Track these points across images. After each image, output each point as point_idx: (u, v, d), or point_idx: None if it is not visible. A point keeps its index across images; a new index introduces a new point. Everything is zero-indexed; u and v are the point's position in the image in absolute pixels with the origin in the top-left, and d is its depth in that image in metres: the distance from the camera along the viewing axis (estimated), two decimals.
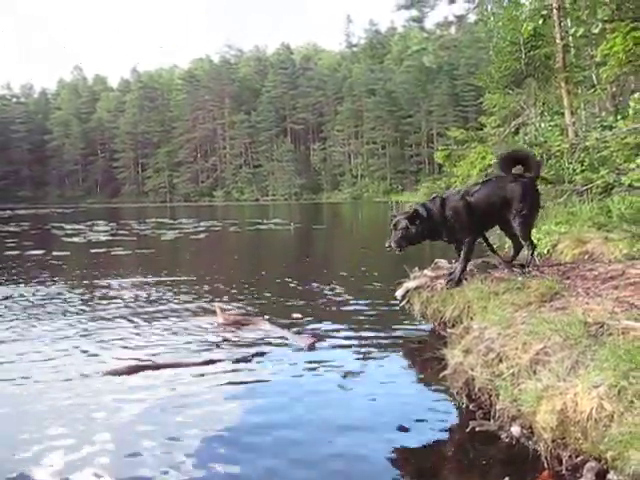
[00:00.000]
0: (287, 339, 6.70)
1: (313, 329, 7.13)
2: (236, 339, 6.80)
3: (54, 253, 16.91)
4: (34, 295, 9.81)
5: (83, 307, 8.84)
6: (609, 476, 3.08)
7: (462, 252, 6.29)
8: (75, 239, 22.81)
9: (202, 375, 5.55)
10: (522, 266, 6.34)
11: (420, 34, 18.41)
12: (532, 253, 6.44)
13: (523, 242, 6.43)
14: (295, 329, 7.09)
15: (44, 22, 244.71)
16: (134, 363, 5.81)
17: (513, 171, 6.43)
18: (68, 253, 17.24)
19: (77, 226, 31.29)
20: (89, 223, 34.18)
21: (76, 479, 3.67)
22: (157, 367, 5.74)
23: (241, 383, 5.35)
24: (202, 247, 20.48)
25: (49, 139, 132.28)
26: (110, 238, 23.25)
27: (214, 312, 7.91)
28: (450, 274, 6.44)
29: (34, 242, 22.00)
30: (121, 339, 6.91)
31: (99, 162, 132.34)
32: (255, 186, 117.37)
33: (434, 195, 6.52)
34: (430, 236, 6.29)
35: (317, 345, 6.45)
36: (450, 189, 6.60)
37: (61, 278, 11.76)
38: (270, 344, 6.55)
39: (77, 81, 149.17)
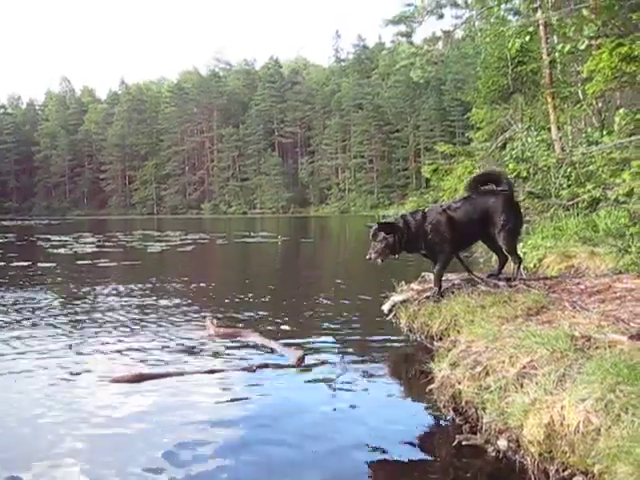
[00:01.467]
0: (277, 351, 6.66)
1: (300, 342, 7.09)
2: (227, 351, 6.78)
3: (40, 264, 16.82)
4: (21, 305, 9.74)
5: (71, 318, 8.77)
6: None
7: (436, 267, 6.32)
8: (61, 250, 22.70)
9: (196, 385, 5.54)
10: (508, 280, 6.35)
11: (408, 49, 18.47)
12: (518, 266, 6.47)
13: (509, 255, 6.46)
14: (283, 341, 7.05)
15: (33, 32, 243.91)
16: (139, 372, 5.85)
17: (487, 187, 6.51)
18: (54, 264, 17.13)
19: (63, 238, 31.11)
20: (75, 235, 34.02)
21: None
22: (162, 376, 5.76)
23: (233, 394, 5.34)
24: (189, 260, 20.43)
25: (36, 150, 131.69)
26: (96, 250, 23.11)
27: (204, 324, 7.92)
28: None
29: (19, 253, 21.88)
30: (111, 351, 6.87)
31: (86, 174, 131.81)
32: (243, 199, 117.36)
33: (417, 209, 6.57)
34: (407, 247, 6.30)
35: (305, 358, 6.41)
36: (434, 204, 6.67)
37: (47, 289, 11.67)
38: (260, 356, 6.52)
39: (65, 93, 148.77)
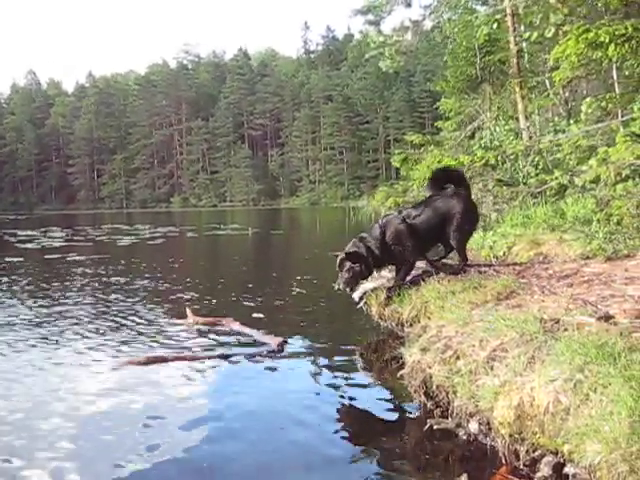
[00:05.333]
0: (256, 339, 6.73)
1: (274, 330, 7.09)
2: (209, 339, 6.87)
3: (7, 259, 16.58)
4: None
5: (45, 311, 8.74)
6: (566, 469, 3.10)
7: (400, 275, 6.33)
8: (29, 245, 22.42)
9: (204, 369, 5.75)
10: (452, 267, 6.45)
11: (377, 38, 18.47)
12: (463, 265, 6.44)
13: (458, 254, 6.48)
14: (258, 330, 7.07)
15: None
16: (152, 354, 6.15)
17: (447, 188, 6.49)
18: (21, 259, 16.90)
19: (31, 232, 30.72)
20: (43, 229, 33.62)
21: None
22: (174, 359, 5.99)
23: (215, 380, 5.51)
24: (160, 253, 20.28)
25: (2, 144, 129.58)
26: (65, 244, 22.88)
27: (185, 313, 7.94)
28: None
29: None
30: (96, 341, 6.90)
31: (54, 168, 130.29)
32: (213, 192, 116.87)
33: (373, 225, 6.52)
34: (377, 266, 6.34)
35: (285, 344, 6.48)
36: (388, 214, 6.63)
37: (15, 282, 11.53)
38: (240, 344, 6.62)
39: (31, 86, 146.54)
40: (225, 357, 6.07)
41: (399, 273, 6.34)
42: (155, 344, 6.70)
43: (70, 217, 65.31)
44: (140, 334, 7.20)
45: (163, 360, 5.93)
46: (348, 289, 6.26)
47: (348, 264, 6.14)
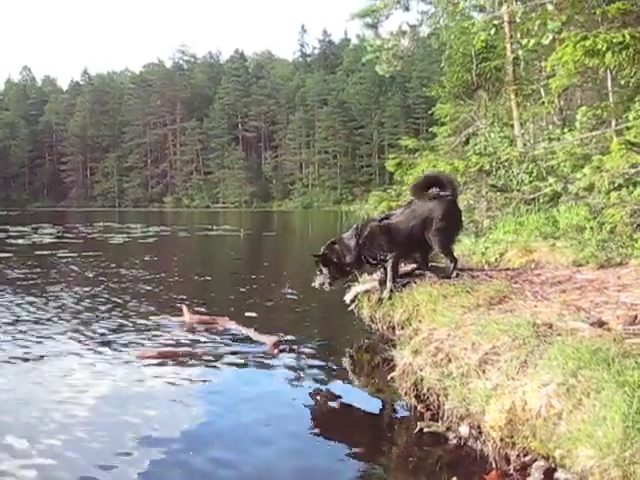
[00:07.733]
0: (252, 338, 6.72)
1: (267, 330, 7.06)
2: (205, 337, 6.86)
3: None
4: None
5: (40, 307, 8.65)
6: (557, 474, 3.08)
7: (387, 269, 6.24)
8: (20, 241, 22.31)
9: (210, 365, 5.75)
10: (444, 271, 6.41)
11: (374, 42, 18.49)
12: (454, 266, 6.33)
13: (445, 257, 6.38)
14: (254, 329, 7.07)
15: None
16: (164, 349, 6.23)
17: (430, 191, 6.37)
18: (12, 255, 16.79)
19: (22, 229, 30.58)
20: (34, 226, 33.47)
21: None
22: (185, 354, 6.10)
23: (209, 379, 5.47)
24: (151, 251, 20.20)
25: None
26: (56, 241, 22.79)
27: (181, 311, 7.92)
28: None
29: None
30: (97, 338, 6.87)
31: (46, 165, 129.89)
32: (205, 193, 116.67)
33: (354, 225, 6.51)
34: (354, 268, 6.44)
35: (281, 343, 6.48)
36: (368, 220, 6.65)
37: (5, 278, 11.46)
38: (236, 343, 6.62)
39: (25, 82, 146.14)
40: (221, 355, 6.07)
41: (386, 276, 6.27)
42: (152, 342, 6.66)
43: (62, 214, 65.08)
44: (137, 332, 7.16)
45: (174, 355, 6.00)
46: (325, 287, 6.46)
47: (320, 266, 6.35)
